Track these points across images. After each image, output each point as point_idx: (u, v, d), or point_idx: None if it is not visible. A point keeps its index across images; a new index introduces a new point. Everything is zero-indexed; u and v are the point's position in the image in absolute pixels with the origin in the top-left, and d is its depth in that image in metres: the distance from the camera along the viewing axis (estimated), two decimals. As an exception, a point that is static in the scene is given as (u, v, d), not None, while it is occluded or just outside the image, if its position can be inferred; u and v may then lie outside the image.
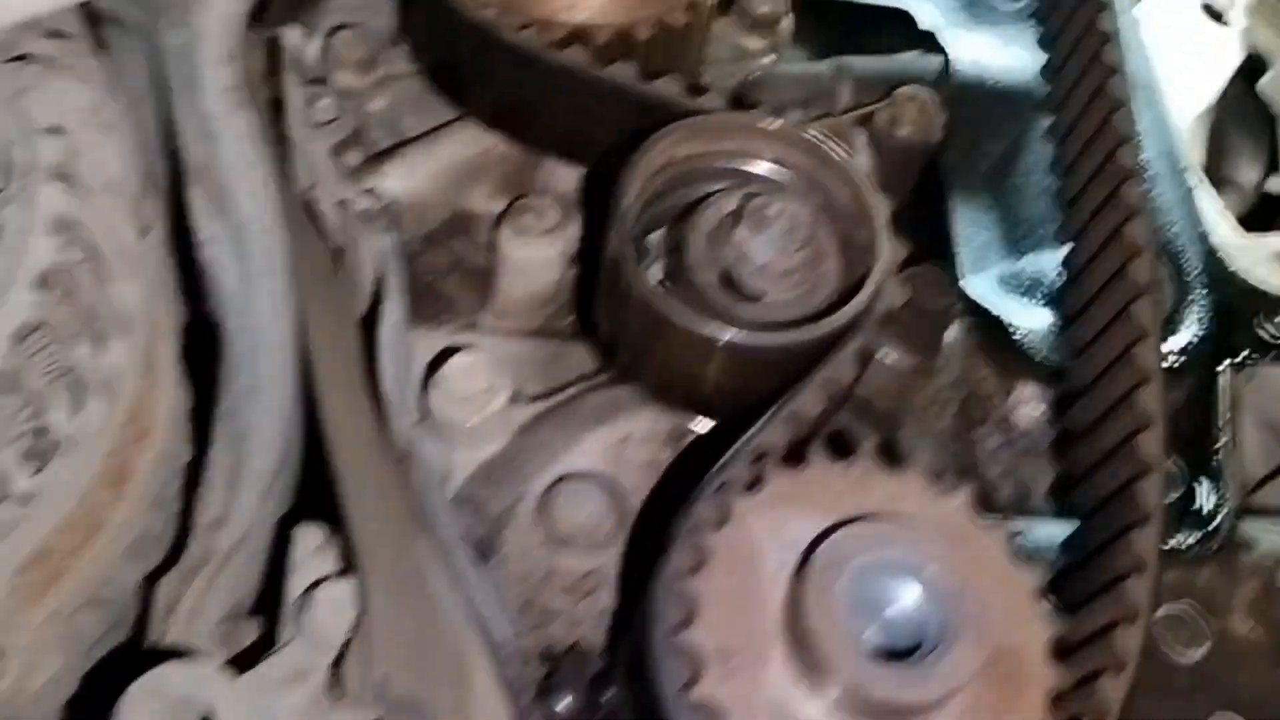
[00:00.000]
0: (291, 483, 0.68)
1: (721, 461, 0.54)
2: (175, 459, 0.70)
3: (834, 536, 0.48)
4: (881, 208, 0.61)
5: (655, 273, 0.67)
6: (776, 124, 0.63)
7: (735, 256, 0.61)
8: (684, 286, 0.63)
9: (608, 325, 0.64)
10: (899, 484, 0.52)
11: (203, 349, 0.72)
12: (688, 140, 0.63)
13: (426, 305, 0.75)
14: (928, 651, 0.47)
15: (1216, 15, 1.07)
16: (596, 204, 0.70)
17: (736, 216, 0.61)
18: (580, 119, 0.68)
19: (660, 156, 0.62)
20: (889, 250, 0.60)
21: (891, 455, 0.53)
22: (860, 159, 0.81)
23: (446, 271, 0.77)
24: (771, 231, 0.60)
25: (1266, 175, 1.18)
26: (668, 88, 0.64)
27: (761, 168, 0.64)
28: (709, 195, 0.64)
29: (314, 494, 0.68)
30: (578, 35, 0.66)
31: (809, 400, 0.56)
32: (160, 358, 0.68)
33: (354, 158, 0.73)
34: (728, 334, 0.57)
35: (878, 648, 0.47)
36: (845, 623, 0.47)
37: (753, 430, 0.55)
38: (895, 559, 0.48)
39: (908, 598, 0.48)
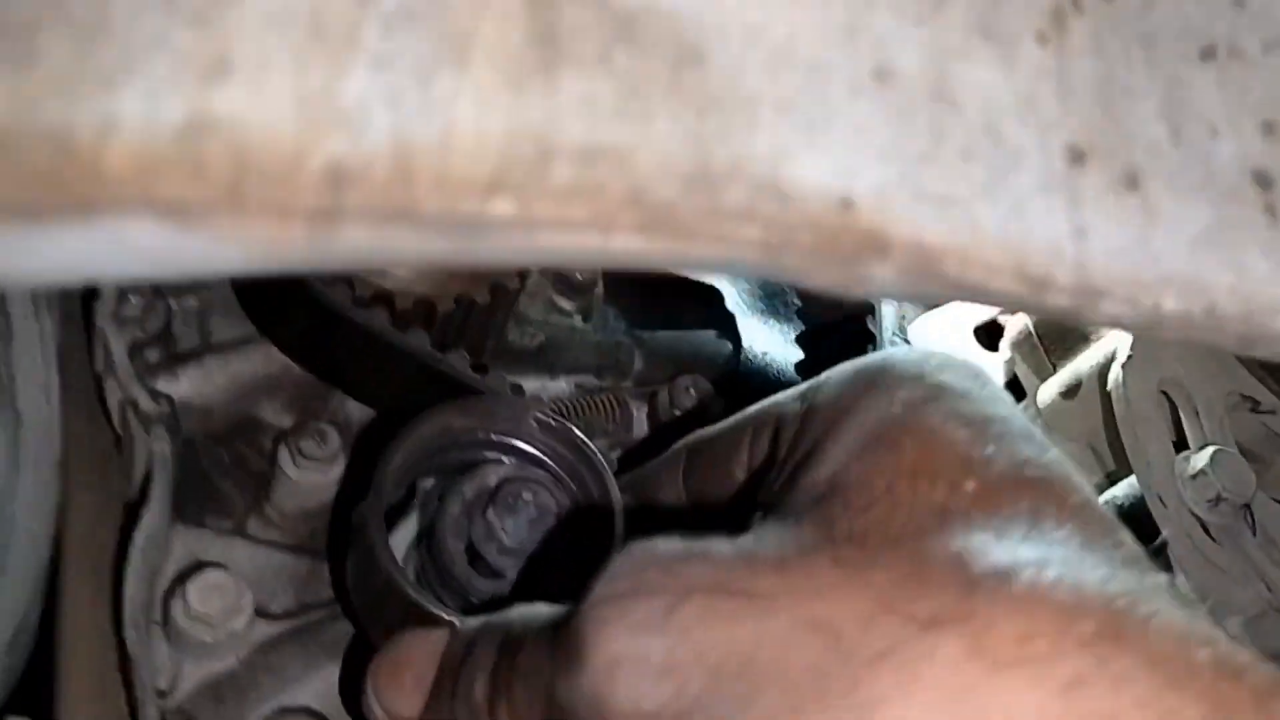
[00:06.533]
0: (16, 670, 0.68)
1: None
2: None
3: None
4: (621, 511, 0.67)
5: (413, 522, 0.71)
6: (547, 416, 0.69)
7: (483, 532, 0.65)
8: (432, 545, 0.67)
9: (348, 571, 0.67)
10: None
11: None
12: (463, 416, 0.68)
13: (198, 499, 0.77)
14: None
15: (989, 339, 1.19)
16: (367, 449, 0.74)
17: (492, 494, 0.66)
18: (371, 373, 0.72)
19: (433, 428, 0.67)
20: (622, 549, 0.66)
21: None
22: (640, 428, 0.89)
23: (225, 470, 0.79)
24: (520, 517, 0.65)
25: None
26: (455, 363, 0.70)
27: (533, 450, 0.70)
28: (481, 463, 0.69)
29: (36, 686, 0.68)
30: (381, 296, 0.71)
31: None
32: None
33: (152, 355, 0.76)
34: (452, 618, 0.61)
35: None
36: None
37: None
38: None
39: None
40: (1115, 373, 0.84)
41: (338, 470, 0.76)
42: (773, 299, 1.02)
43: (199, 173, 0.27)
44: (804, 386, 0.55)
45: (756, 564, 0.43)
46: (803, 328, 0.97)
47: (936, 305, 1.09)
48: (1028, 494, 0.45)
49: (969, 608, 0.40)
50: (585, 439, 0.68)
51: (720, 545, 0.45)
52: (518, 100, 0.31)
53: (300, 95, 0.28)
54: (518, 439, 0.69)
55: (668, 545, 0.45)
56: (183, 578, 0.69)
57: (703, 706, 0.41)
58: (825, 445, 0.48)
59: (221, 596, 0.68)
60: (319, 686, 0.69)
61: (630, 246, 0.31)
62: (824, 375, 0.53)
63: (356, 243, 0.29)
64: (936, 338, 1.07)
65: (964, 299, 0.37)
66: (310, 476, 0.75)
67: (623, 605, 0.44)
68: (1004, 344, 1.14)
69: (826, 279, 0.35)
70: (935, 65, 0.38)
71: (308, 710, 0.68)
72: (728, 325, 0.98)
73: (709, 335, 0.98)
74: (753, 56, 0.35)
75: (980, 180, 0.36)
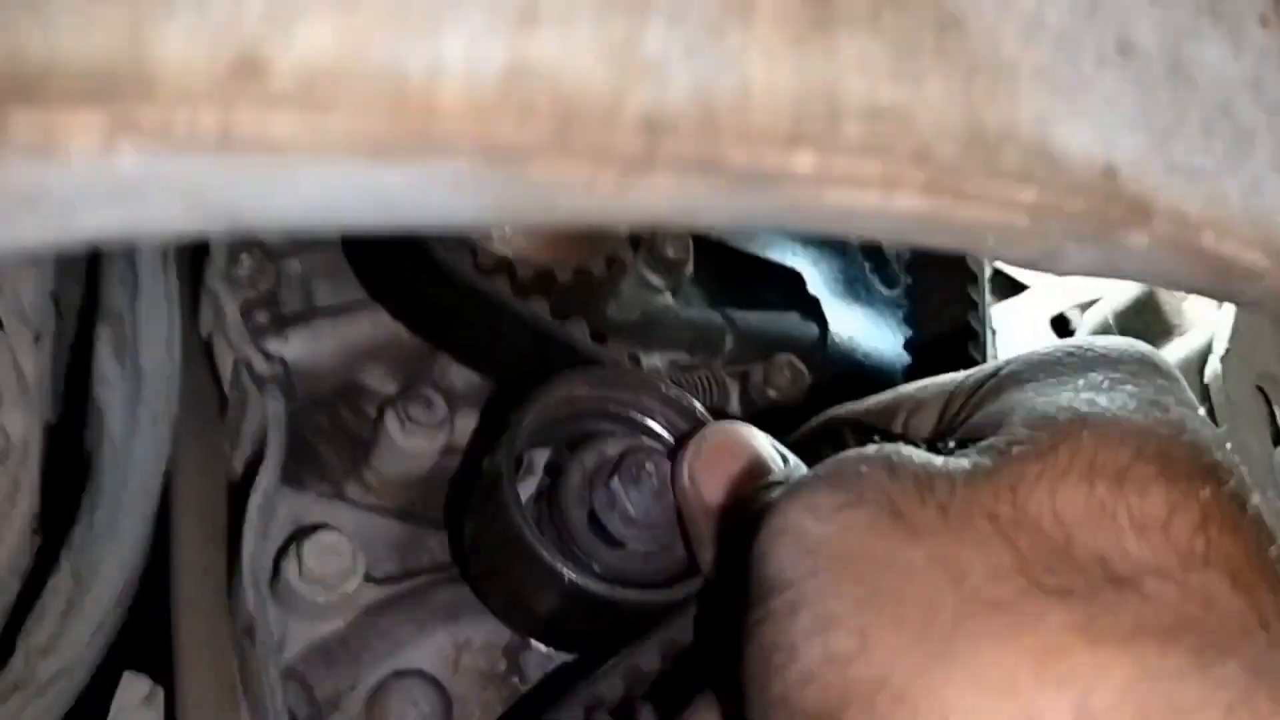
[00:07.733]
0: (122, 625, 0.68)
1: (553, 712, 0.57)
2: (17, 567, 0.70)
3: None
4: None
5: (529, 487, 0.71)
6: (670, 389, 0.68)
7: (605, 501, 0.65)
8: (554, 514, 0.67)
9: (470, 532, 0.67)
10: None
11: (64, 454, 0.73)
12: (587, 385, 0.68)
13: (299, 464, 0.77)
14: None
15: (1063, 327, 1.19)
16: (491, 415, 0.74)
17: (615, 464, 0.66)
18: (488, 339, 0.72)
19: (561, 393, 0.67)
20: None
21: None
22: (732, 407, 0.88)
23: (327, 435, 0.79)
24: (643, 487, 0.65)
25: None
26: (575, 331, 0.70)
27: (650, 422, 0.69)
28: (598, 434, 0.69)
29: (144, 642, 0.68)
30: (503, 265, 0.71)
31: (647, 658, 0.61)
32: (24, 473, 0.68)
33: (262, 317, 0.76)
34: (580, 578, 0.61)
35: None
36: None
37: (589, 680, 0.59)
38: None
39: None
40: (1214, 366, 0.84)
41: (443, 438, 0.75)
42: (854, 283, 1.02)
43: (528, 117, 0.27)
44: (979, 371, 0.55)
45: (928, 491, 0.45)
46: (900, 306, 0.97)
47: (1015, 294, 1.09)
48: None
49: (1093, 594, 0.41)
50: (705, 412, 0.68)
51: (910, 461, 0.46)
52: (801, 57, 0.31)
53: (606, 45, 0.28)
54: (637, 410, 0.69)
55: (871, 450, 0.48)
56: (296, 538, 0.69)
57: (817, 596, 0.44)
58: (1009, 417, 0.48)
59: (337, 558, 0.68)
60: (430, 651, 0.69)
61: (910, 207, 0.31)
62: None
63: (655, 195, 0.29)
64: (1016, 321, 1.07)
65: (1194, 279, 0.37)
66: (416, 443, 0.75)
67: (814, 489, 0.47)
68: (1080, 331, 1.14)
69: (1074, 251, 0.34)
70: (1170, 42, 0.37)
71: (421, 673, 0.68)
72: (812, 307, 0.98)
73: (795, 317, 0.97)
74: (1007, 24, 0.34)
75: (1222, 155, 0.36)
